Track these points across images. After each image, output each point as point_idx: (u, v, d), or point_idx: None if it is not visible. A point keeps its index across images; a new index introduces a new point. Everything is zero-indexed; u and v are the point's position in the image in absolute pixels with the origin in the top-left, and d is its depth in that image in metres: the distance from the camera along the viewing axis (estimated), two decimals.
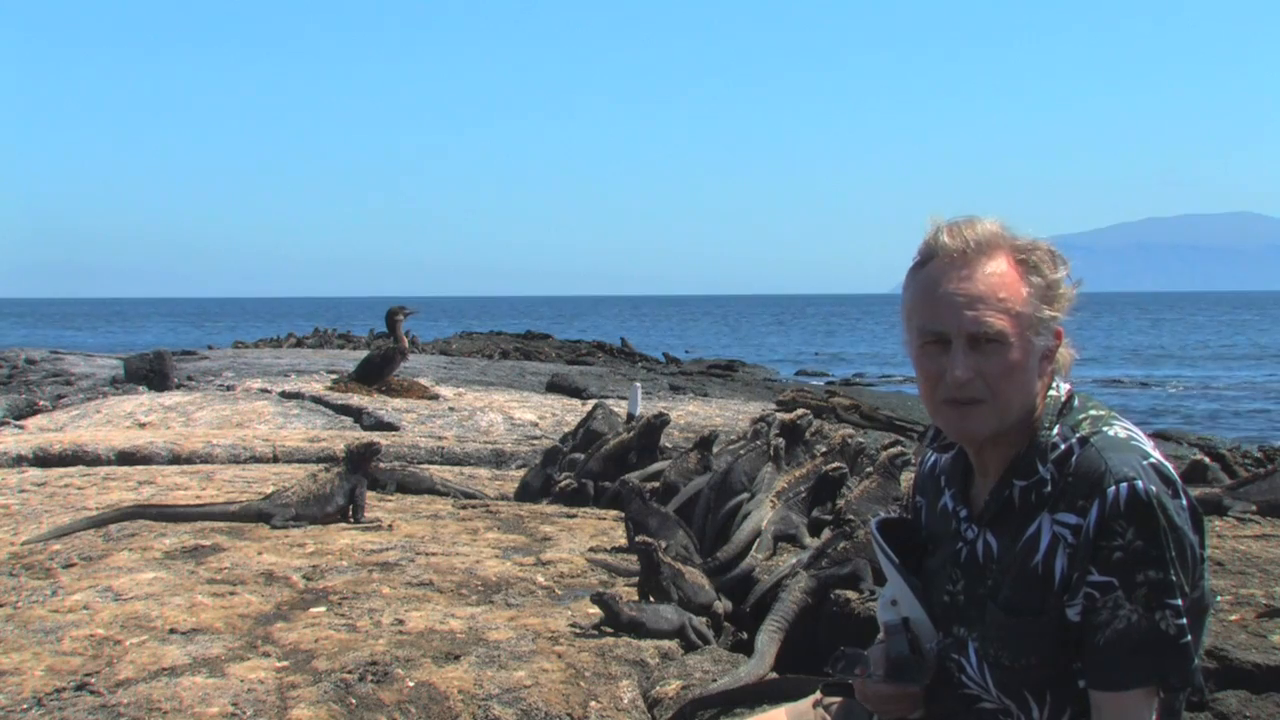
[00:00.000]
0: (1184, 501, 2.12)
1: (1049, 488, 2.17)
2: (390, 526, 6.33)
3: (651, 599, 4.73)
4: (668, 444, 8.18)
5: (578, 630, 4.53)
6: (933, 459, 2.48)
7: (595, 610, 4.62)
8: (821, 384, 29.13)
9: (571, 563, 5.56)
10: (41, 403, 13.93)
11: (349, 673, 4.07)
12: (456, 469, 9.08)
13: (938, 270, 2.22)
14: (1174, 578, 2.06)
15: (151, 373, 15.79)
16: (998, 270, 2.19)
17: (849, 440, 6.69)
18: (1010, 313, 2.17)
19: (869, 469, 6.32)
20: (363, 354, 16.35)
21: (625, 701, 4.04)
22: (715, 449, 6.84)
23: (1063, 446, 2.18)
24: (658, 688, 4.09)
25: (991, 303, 2.17)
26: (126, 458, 9.14)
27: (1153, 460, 2.13)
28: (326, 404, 12.57)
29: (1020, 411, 2.21)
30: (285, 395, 13.20)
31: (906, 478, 6.10)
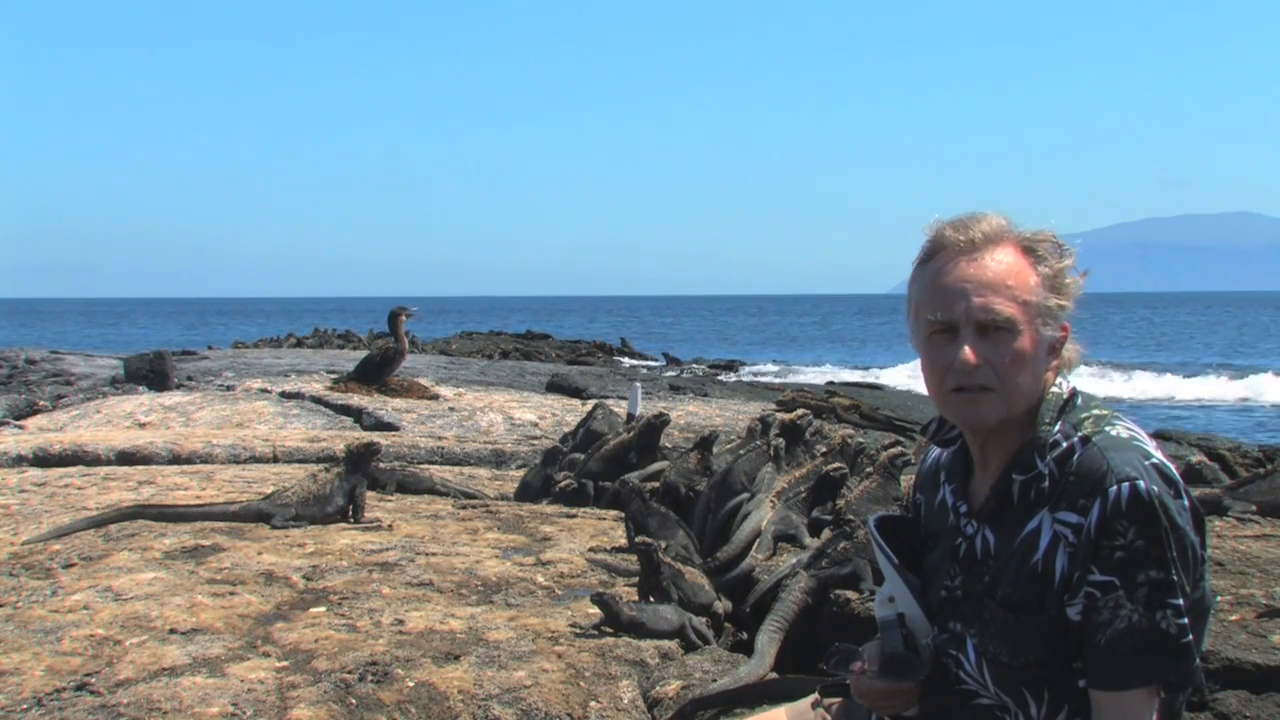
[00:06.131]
0: (1185, 502, 2.12)
1: (1047, 483, 2.17)
2: (390, 526, 6.33)
3: (651, 599, 4.73)
4: (668, 444, 8.18)
5: (578, 630, 4.53)
6: (934, 454, 2.48)
7: (595, 610, 4.61)
8: (822, 384, 29.12)
9: (571, 563, 5.56)
10: (41, 403, 13.92)
11: (349, 673, 4.07)
12: (456, 469, 9.08)
13: (944, 261, 2.23)
14: (1175, 577, 2.06)
15: (151, 373, 15.79)
16: (1005, 259, 2.20)
17: (849, 440, 6.69)
18: (1018, 300, 2.18)
19: (869, 469, 6.32)
20: (363, 354, 16.36)
21: (625, 701, 4.04)
22: (715, 449, 6.84)
23: (1064, 445, 2.17)
24: (658, 688, 4.08)
25: (1000, 290, 2.18)
26: (126, 458, 9.14)
27: (1154, 460, 2.13)
28: (326, 404, 12.57)
29: (1027, 402, 2.21)
30: (285, 395, 13.20)
31: (906, 478, 6.10)
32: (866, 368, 38.89)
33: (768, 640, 4.47)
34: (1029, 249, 2.22)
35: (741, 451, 6.39)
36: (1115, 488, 2.07)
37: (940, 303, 2.21)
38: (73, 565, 5.45)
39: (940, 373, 2.23)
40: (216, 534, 6.03)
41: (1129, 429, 2.19)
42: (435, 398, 13.27)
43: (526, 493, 7.70)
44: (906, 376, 34.73)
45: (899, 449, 6.25)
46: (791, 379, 31.74)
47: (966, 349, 2.18)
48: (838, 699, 2.51)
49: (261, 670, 4.12)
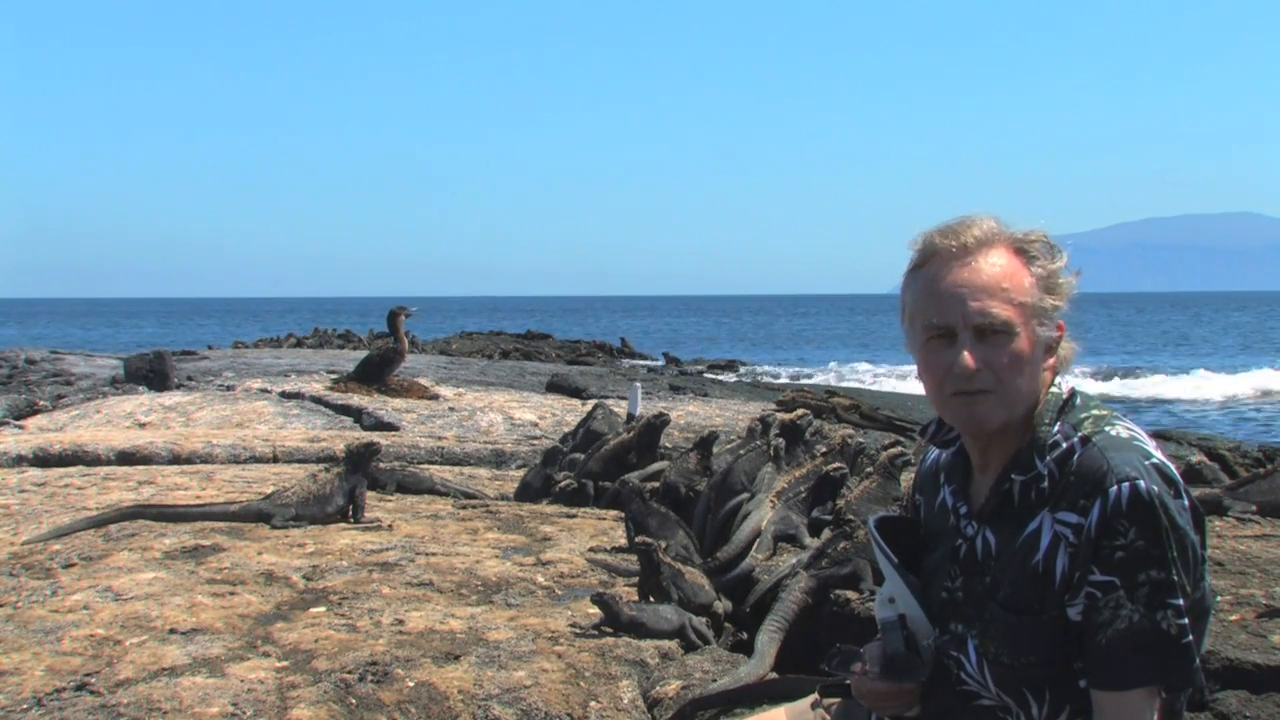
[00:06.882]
0: (1185, 502, 2.12)
1: (1046, 483, 2.17)
2: (390, 526, 6.33)
3: (651, 599, 4.73)
4: (668, 444, 8.18)
5: (578, 630, 4.53)
6: (934, 455, 2.48)
7: (595, 610, 4.62)
8: (821, 384, 29.11)
9: (571, 563, 5.56)
10: (41, 403, 13.92)
11: (349, 673, 4.07)
12: (456, 469, 9.08)
13: (939, 266, 2.23)
14: (1175, 577, 2.06)
15: (151, 373, 15.79)
16: (999, 261, 2.21)
17: (849, 440, 6.69)
18: (1014, 302, 2.18)
19: (869, 469, 6.32)
20: (363, 354, 16.36)
21: (625, 701, 4.04)
22: (715, 449, 6.84)
23: (1064, 445, 2.18)
24: (658, 688, 4.08)
25: (996, 293, 2.18)
26: (126, 458, 9.14)
27: (1155, 460, 2.13)
28: (326, 404, 12.58)
29: (1027, 402, 2.21)
30: (285, 395, 13.20)
31: (906, 478, 6.10)
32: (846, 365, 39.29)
33: (768, 640, 4.47)
34: (1021, 250, 2.23)
35: (741, 451, 6.39)
36: (1115, 488, 2.07)
37: (937, 308, 2.21)
38: (73, 565, 5.45)
39: (939, 378, 2.23)
40: (216, 534, 6.03)
41: (1129, 429, 2.19)
42: (435, 398, 13.27)
43: (526, 493, 7.70)
44: (871, 375, 34.97)
45: (899, 449, 6.25)
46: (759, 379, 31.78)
47: (965, 354, 2.18)
48: (837, 699, 2.51)
49: (261, 670, 4.12)
